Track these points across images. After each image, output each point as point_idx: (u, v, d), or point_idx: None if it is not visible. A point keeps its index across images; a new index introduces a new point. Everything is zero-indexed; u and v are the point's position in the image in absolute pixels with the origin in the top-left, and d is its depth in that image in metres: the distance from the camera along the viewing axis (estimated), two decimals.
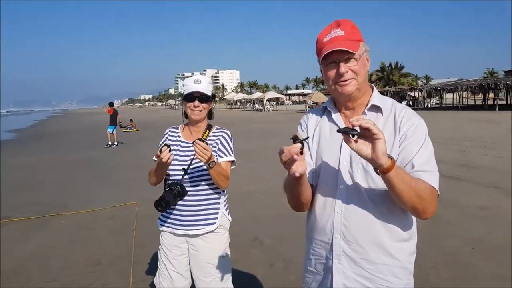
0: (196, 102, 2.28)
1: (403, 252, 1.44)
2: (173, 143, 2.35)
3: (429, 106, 45.96)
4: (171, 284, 2.33)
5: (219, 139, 2.33)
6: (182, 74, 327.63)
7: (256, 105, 57.60)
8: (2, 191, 7.98)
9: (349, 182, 1.43)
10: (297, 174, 1.24)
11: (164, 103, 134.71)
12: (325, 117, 1.59)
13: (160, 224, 2.38)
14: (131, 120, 25.72)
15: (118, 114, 16.83)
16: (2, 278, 3.93)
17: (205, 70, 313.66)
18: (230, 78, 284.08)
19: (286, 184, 1.50)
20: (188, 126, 2.41)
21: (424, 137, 1.40)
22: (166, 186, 2.30)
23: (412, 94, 43.66)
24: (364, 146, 1.20)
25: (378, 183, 1.37)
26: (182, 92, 2.39)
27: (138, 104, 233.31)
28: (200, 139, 2.02)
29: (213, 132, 2.36)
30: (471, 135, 14.42)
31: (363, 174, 1.41)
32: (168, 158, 2.09)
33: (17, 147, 17.75)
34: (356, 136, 1.21)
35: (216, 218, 2.29)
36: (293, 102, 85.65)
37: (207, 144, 2.04)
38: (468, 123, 19.89)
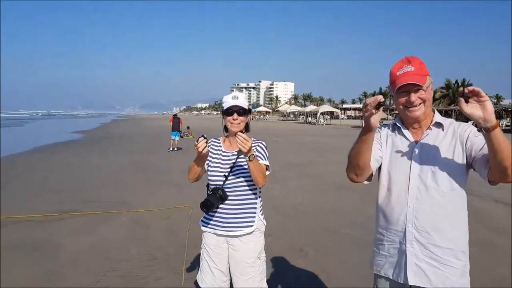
0: (235, 115, 2.55)
1: (462, 238, 1.83)
2: (215, 152, 2.64)
3: None
4: (213, 280, 2.59)
5: (255, 148, 2.58)
6: (238, 85, 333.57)
7: (310, 118, 57.45)
8: (71, 187, 8.79)
9: (420, 183, 1.81)
10: (372, 124, 1.66)
11: (219, 112, 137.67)
12: (395, 132, 1.96)
13: (203, 226, 2.65)
14: (188, 128, 26.73)
15: (181, 123, 17.83)
16: (62, 267, 4.35)
17: (260, 81, 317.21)
18: (284, 90, 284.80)
19: (355, 144, 1.81)
20: (228, 138, 2.68)
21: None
22: (209, 190, 2.59)
23: None
24: (475, 109, 1.53)
25: (444, 182, 1.77)
26: (222, 108, 2.67)
27: (195, 112, 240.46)
28: (241, 131, 2.24)
29: (252, 144, 2.61)
30: None
31: (432, 176, 1.79)
32: (204, 148, 2.34)
33: (84, 147, 19.12)
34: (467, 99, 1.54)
35: (254, 221, 2.54)
36: (349, 117, 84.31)
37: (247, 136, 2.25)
38: None
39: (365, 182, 1.99)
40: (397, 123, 1.96)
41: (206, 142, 2.38)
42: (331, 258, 4.65)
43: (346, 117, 79.91)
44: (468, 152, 1.77)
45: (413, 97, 1.79)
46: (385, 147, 1.95)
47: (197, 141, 2.34)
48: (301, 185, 9.17)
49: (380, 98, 1.63)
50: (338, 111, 64.02)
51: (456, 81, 63.77)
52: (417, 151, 1.84)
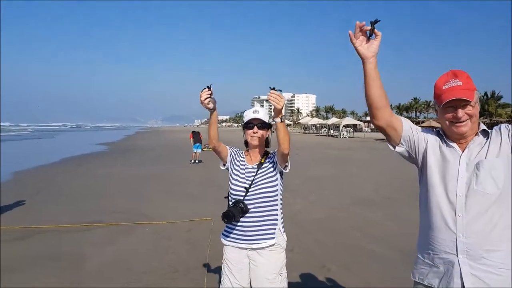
0: (255, 129, 2.59)
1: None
2: (238, 164, 2.68)
3: None
4: None
5: (273, 157, 2.60)
6: (258, 97, 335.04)
7: (332, 131, 57.03)
8: (96, 197, 8.99)
9: (467, 192, 1.76)
10: (360, 53, 1.74)
11: (240, 124, 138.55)
12: (442, 140, 1.89)
13: (224, 239, 2.66)
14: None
15: (201, 136, 18.11)
16: (86, 278, 4.42)
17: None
18: (306, 102, 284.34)
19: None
20: (249, 152, 2.71)
21: None
22: (230, 203, 2.61)
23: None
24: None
25: (488, 188, 1.73)
26: (243, 122, 2.70)
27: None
28: (273, 88, 2.23)
29: (269, 157, 2.66)
30: None
31: (480, 182, 1.74)
32: (206, 98, 2.38)
33: (108, 159, 19.52)
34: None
35: (274, 233, 2.54)
36: (372, 130, 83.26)
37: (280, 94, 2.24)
38: None
39: (390, 146, 1.97)
40: (441, 133, 1.91)
41: (210, 95, 2.41)
42: (353, 274, 4.58)
43: (369, 130, 78.89)
44: None
45: (460, 112, 1.75)
46: (432, 156, 1.88)
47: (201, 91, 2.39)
48: (323, 199, 9.08)
49: (362, 24, 1.68)
50: (362, 123, 63.28)
51: (486, 93, 62.03)
52: (464, 160, 1.80)
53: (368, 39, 1.74)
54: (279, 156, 2.49)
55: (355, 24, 1.74)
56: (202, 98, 2.39)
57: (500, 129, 1.81)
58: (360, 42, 1.75)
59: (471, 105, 1.75)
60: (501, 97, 61.42)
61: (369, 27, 1.70)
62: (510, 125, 1.81)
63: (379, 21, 1.68)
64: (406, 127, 1.91)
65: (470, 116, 1.77)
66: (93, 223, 6.69)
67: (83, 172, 13.71)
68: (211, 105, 2.44)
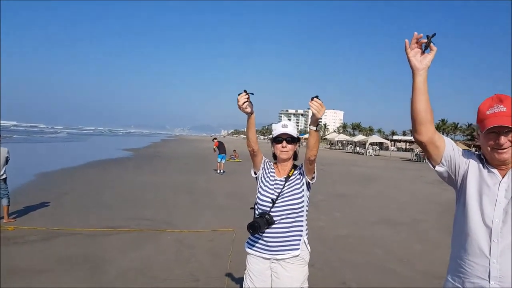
0: (284, 143, 2.63)
1: None
2: (268, 174, 2.71)
3: None
4: None
5: (301, 169, 2.65)
6: (286, 111, 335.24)
7: (358, 148, 56.37)
8: (119, 203, 9.16)
9: (504, 217, 1.71)
10: (412, 64, 1.73)
11: (266, 136, 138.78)
12: (482, 164, 1.85)
13: (248, 247, 2.69)
14: (234, 151, 27.10)
15: (225, 146, 18.20)
16: (108, 282, 4.48)
17: (309, 108, 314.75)
18: (333, 118, 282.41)
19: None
20: (277, 165, 2.75)
21: None
22: (256, 213, 2.63)
23: None
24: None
25: None
26: (272, 136, 2.74)
27: (242, 136, 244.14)
28: (316, 96, 2.27)
29: (297, 170, 2.68)
30: None
31: None
32: (244, 103, 2.41)
33: (134, 165, 19.88)
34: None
35: (299, 244, 2.55)
36: (398, 149, 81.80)
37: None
38: None
39: (430, 165, 1.92)
40: (482, 157, 1.87)
41: (248, 98, 2.43)
42: None
43: (396, 149, 77.55)
44: None
45: (503, 139, 1.72)
46: (472, 179, 1.84)
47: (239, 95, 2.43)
48: (347, 217, 8.96)
49: (419, 36, 1.67)
50: (388, 142, 62.34)
51: None
52: (503, 186, 1.76)
53: (423, 52, 1.73)
54: (306, 164, 2.52)
55: (410, 38, 1.73)
56: (240, 102, 2.43)
57: None
58: (414, 54, 1.73)
59: None
60: None
61: (425, 40, 1.69)
62: None
63: (435, 34, 1.68)
64: (449, 147, 1.88)
65: None
66: (116, 228, 6.81)
67: (108, 177, 13.99)
68: (248, 109, 2.48)
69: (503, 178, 1.78)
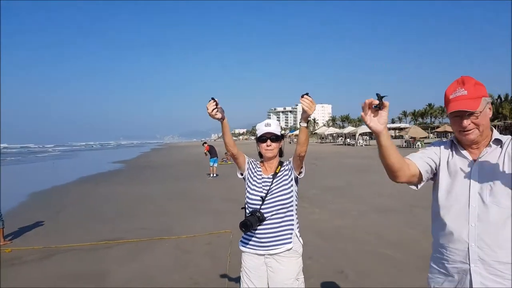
0: (268, 142, 2.72)
1: None
2: (255, 173, 2.79)
3: None
4: None
5: (288, 165, 2.73)
6: (274, 109, 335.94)
7: (348, 140, 56.69)
8: (115, 215, 9.17)
9: (480, 201, 1.78)
10: (373, 128, 1.73)
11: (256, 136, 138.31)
12: (453, 151, 1.93)
13: (242, 246, 2.77)
14: (226, 153, 27.10)
15: (216, 150, 18.23)
16: None
17: (297, 105, 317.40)
18: (322, 112, 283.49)
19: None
20: (263, 163, 2.83)
21: None
22: (247, 212, 2.72)
23: None
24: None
25: (505, 200, 1.74)
26: (256, 135, 2.82)
27: (233, 138, 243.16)
28: (306, 94, 2.32)
29: (283, 167, 2.76)
30: None
31: (492, 194, 1.76)
32: (212, 110, 2.47)
33: (124, 177, 19.75)
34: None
35: (291, 238, 2.63)
36: None
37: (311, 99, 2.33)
38: None
39: (413, 187, 1.98)
40: (454, 141, 1.94)
41: (216, 105, 2.48)
42: (371, 280, 4.60)
43: None
44: None
45: (465, 122, 1.78)
46: (444, 166, 1.92)
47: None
48: (341, 208, 9.08)
49: (370, 101, 1.69)
50: None
51: (499, 96, 60.76)
52: (476, 169, 1.82)
53: (377, 111, 1.74)
54: (295, 160, 2.60)
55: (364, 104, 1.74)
56: (209, 110, 2.49)
57: None
58: (370, 118, 1.73)
59: (475, 114, 1.77)
60: None
61: (377, 101, 1.70)
62: None
63: (386, 96, 1.72)
64: (422, 165, 1.92)
65: (477, 125, 1.78)
66: (114, 240, 6.83)
67: (101, 191, 13.91)
68: (219, 115, 2.53)
69: (475, 161, 1.83)
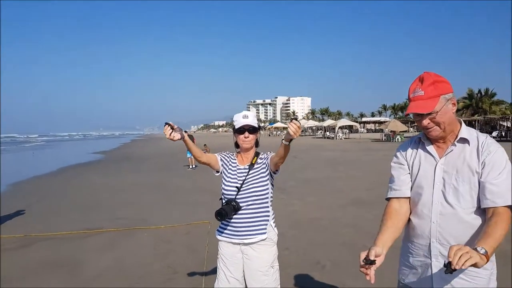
0: (246, 133, 2.77)
1: None
2: (230, 166, 2.85)
3: None
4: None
5: (266, 159, 2.78)
6: (254, 101, 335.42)
7: (328, 133, 57.24)
8: (94, 206, 9.09)
9: (442, 199, 1.83)
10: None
11: None
12: (420, 147, 1.96)
13: (218, 234, 2.86)
14: (205, 145, 27.01)
15: (194, 140, 18.15)
16: (86, 283, 4.54)
17: (276, 97, 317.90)
18: (301, 105, 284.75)
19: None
20: (240, 154, 2.89)
21: (503, 162, 1.75)
22: (223, 202, 2.79)
23: (505, 124, 40.49)
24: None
25: (466, 199, 1.78)
26: (233, 127, 2.87)
27: (212, 130, 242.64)
28: (295, 118, 2.36)
29: (260, 158, 2.83)
30: None
31: (454, 192, 1.80)
32: (170, 134, 2.49)
33: (104, 168, 19.59)
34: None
35: (266, 229, 2.71)
36: (368, 130, 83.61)
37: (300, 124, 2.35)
38: None
39: None
40: (422, 138, 1.96)
41: (172, 128, 2.51)
42: (348, 270, 4.70)
43: (365, 131, 79.26)
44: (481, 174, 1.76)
45: (425, 122, 1.80)
46: (412, 166, 1.97)
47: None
48: (319, 200, 9.22)
49: (363, 256, 1.75)
50: (357, 124, 63.13)
51: (479, 91, 61.96)
52: (440, 167, 1.85)
53: (371, 264, 1.79)
54: (274, 164, 2.67)
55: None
56: (167, 135, 2.50)
57: (483, 147, 1.79)
58: (366, 271, 1.78)
59: (433, 114, 1.76)
60: (494, 94, 61.32)
61: (368, 263, 1.78)
62: (491, 144, 1.80)
63: (374, 261, 1.80)
64: (405, 187, 1.97)
65: (437, 123, 1.79)
66: (92, 230, 6.80)
67: (81, 182, 13.79)
68: (178, 136, 2.53)
69: (440, 159, 1.86)
